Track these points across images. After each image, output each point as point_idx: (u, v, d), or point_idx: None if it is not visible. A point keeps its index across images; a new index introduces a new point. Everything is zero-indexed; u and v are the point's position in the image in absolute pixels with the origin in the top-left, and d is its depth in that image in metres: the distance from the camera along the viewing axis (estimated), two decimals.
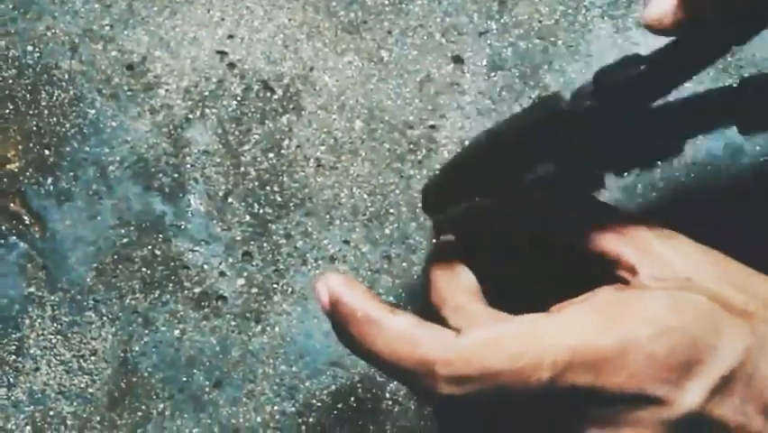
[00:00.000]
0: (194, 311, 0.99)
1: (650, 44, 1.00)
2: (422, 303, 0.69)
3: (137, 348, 0.99)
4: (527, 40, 1.00)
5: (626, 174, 0.71)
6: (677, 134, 0.69)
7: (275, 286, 0.99)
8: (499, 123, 0.71)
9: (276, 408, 0.97)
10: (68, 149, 1.02)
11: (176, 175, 1.01)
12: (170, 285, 0.99)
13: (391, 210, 0.98)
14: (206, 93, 1.02)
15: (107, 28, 1.04)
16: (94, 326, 1.00)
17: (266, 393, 0.97)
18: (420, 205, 0.71)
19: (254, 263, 0.99)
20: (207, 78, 1.03)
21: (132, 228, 1.01)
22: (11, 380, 1.00)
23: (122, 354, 0.99)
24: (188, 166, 1.01)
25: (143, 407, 0.98)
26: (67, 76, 1.04)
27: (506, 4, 1.01)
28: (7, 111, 1.03)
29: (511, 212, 0.67)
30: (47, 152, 1.02)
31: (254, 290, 0.99)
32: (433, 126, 0.99)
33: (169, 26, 1.04)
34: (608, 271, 0.64)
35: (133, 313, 1.00)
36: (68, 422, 0.99)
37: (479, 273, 0.66)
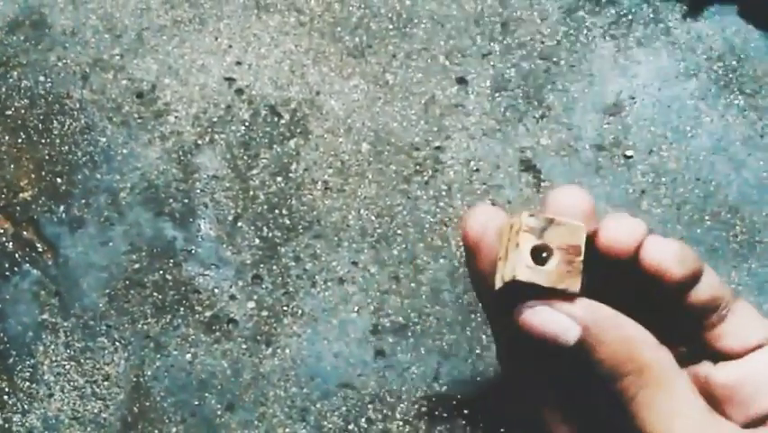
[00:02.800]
0: (205, 335, 1.00)
1: (651, 63, 1.01)
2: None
3: (149, 373, 1.00)
4: (530, 60, 1.02)
5: None
6: None
7: (285, 308, 0.99)
8: None
9: (287, 430, 0.97)
10: (79, 177, 1.04)
11: (186, 200, 1.03)
12: (182, 309, 1.00)
13: (399, 231, 0.99)
14: (215, 119, 1.04)
15: (117, 57, 1.06)
16: (106, 351, 1.01)
17: (277, 416, 0.97)
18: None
19: (264, 286, 1.00)
20: (216, 104, 1.04)
21: (143, 254, 1.02)
22: (25, 406, 1.01)
23: (134, 379, 1.00)
24: (198, 191, 1.03)
25: (156, 431, 0.98)
26: (78, 105, 1.06)
27: (508, 25, 1.03)
28: (20, 140, 1.05)
29: None
30: (59, 180, 1.04)
31: (264, 313, 1.00)
32: (438, 147, 1.00)
33: (177, 54, 1.06)
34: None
35: (145, 338, 1.01)
36: None
37: None
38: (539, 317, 0.49)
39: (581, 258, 0.48)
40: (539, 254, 0.49)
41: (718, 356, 0.53)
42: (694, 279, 0.51)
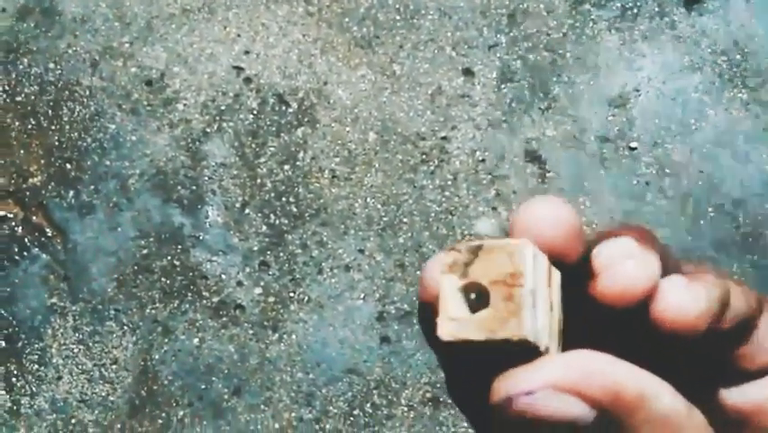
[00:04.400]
0: (212, 320, 1.01)
1: (656, 57, 1.02)
2: None
3: (157, 357, 1.01)
4: (536, 52, 1.03)
5: None
6: None
7: (291, 295, 1.01)
8: None
9: (293, 414, 0.98)
10: (89, 163, 1.05)
11: (194, 187, 1.04)
12: (189, 295, 1.02)
13: (404, 220, 1.00)
14: (223, 107, 1.05)
15: (127, 45, 1.07)
16: (115, 335, 1.02)
17: (283, 400, 0.99)
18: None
19: (271, 273, 1.01)
20: (224, 92, 1.05)
21: (151, 239, 1.03)
22: (33, 389, 1.02)
23: (142, 363, 1.01)
24: (206, 178, 1.04)
25: (163, 414, 1.00)
26: (88, 92, 1.06)
27: (515, 17, 1.04)
28: (30, 126, 1.06)
29: None
30: (68, 166, 1.05)
31: (271, 299, 1.01)
32: (444, 137, 1.01)
33: (186, 43, 1.07)
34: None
35: (153, 322, 1.02)
36: (90, 430, 1.01)
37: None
38: (541, 404, 0.32)
39: (526, 286, 0.32)
40: (472, 297, 0.33)
41: (734, 378, 0.41)
42: (721, 316, 0.38)
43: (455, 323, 0.31)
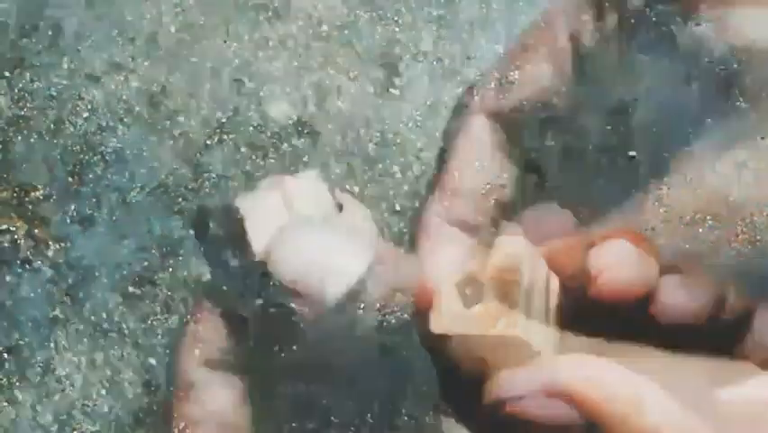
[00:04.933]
0: None
1: (654, 67, 1.03)
2: None
3: (161, 369, 1.01)
4: None
5: None
6: None
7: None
8: None
9: (294, 424, 0.99)
10: (90, 176, 1.05)
11: (195, 200, 1.04)
12: (192, 306, 1.02)
13: (405, 230, 1.00)
14: (224, 120, 1.06)
15: (129, 60, 1.08)
16: (117, 348, 1.02)
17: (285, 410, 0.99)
18: None
19: (272, 284, 1.02)
20: (225, 106, 1.06)
21: (153, 252, 1.04)
22: (36, 402, 1.02)
23: (146, 376, 1.02)
24: (207, 191, 1.04)
25: (168, 428, 1.00)
26: (89, 106, 1.07)
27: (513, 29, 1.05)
28: (32, 141, 1.07)
29: None
30: (70, 179, 1.06)
31: (272, 310, 1.01)
32: (445, 150, 1.02)
33: (187, 57, 1.08)
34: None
35: (156, 335, 1.02)
36: None
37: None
38: (533, 410, 0.33)
39: (522, 283, 0.33)
40: (467, 292, 0.35)
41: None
42: (717, 312, 0.40)
43: (449, 317, 0.33)
